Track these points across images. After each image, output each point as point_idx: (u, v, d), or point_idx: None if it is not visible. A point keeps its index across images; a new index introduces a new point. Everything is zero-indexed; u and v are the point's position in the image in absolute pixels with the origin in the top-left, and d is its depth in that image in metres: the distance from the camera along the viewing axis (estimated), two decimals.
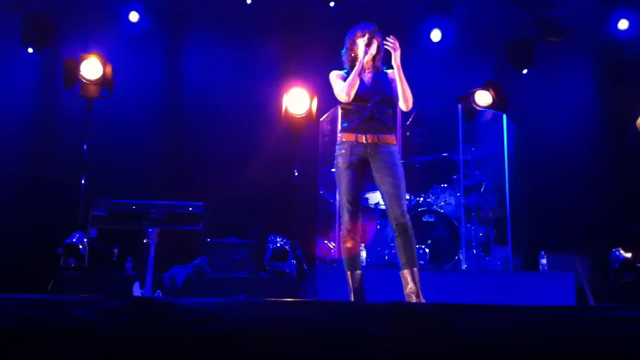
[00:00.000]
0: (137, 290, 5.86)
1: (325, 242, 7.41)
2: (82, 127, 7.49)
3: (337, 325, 2.21)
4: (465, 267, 6.95)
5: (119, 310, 2.07)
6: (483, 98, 8.27)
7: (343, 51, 4.71)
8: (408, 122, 7.63)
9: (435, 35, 8.88)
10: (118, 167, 7.98)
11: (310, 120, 7.56)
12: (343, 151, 4.50)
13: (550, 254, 7.30)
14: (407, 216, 4.39)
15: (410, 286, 4.28)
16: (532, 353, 2.25)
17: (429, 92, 8.46)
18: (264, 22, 8.85)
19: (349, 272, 4.51)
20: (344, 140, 4.53)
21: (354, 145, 4.48)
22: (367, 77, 4.62)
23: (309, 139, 7.68)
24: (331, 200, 7.33)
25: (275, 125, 7.92)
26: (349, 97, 4.48)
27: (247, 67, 8.76)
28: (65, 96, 7.58)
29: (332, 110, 7.13)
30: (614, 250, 7.76)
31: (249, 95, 8.58)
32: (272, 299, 4.80)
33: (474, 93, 8.29)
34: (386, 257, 6.86)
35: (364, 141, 4.46)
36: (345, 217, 4.48)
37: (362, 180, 4.56)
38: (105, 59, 7.34)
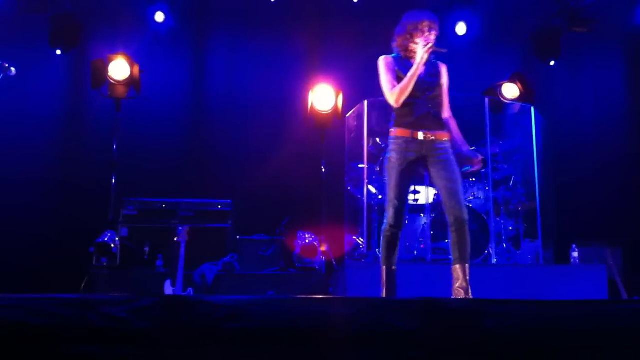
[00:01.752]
0: (168, 288, 5.92)
1: (354, 237, 7.40)
2: (111, 127, 7.56)
3: (365, 321, 2.21)
4: (495, 262, 6.89)
5: (151, 309, 2.10)
6: (510, 91, 8.20)
7: (398, 33, 4.50)
8: None
9: (461, 28, 8.82)
10: (147, 166, 8.06)
11: (336, 117, 7.56)
12: (397, 147, 4.34)
13: (582, 246, 7.20)
14: (466, 211, 4.28)
15: (460, 282, 4.19)
16: (563, 347, 2.23)
17: (454, 85, 8.39)
18: (288, 18, 8.86)
19: (384, 267, 4.40)
20: (398, 135, 4.38)
21: (409, 142, 4.32)
22: (421, 69, 4.39)
23: (336, 135, 7.67)
24: (358, 196, 7.32)
25: (301, 122, 7.93)
26: (399, 104, 4.35)
27: (273, 64, 8.78)
28: (94, 97, 7.67)
29: (358, 106, 7.12)
30: None
31: (275, 93, 8.61)
32: (301, 296, 4.82)
33: (500, 86, 8.21)
34: (415, 253, 6.84)
35: (420, 138, 4.33)
36: (390, 212, 4.34)
37: (412, 177, 4.43)
38: (132, 60, 7.42)
